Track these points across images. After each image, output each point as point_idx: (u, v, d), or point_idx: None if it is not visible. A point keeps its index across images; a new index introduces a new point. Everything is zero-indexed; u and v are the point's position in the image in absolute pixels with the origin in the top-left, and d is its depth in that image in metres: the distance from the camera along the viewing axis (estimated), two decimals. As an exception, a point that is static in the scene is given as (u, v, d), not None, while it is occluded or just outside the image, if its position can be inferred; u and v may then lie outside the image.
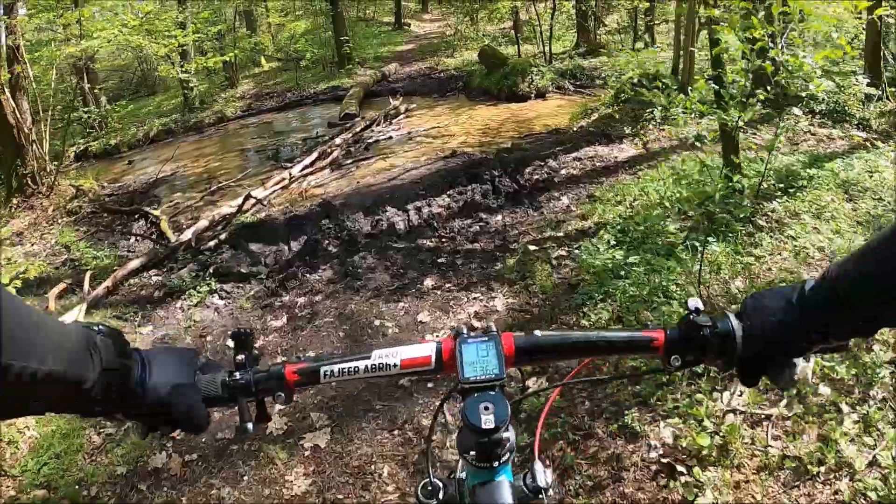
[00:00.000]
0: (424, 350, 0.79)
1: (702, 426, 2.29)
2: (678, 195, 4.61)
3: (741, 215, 3.68)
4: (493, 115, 9.43)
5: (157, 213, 6.93)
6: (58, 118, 14.51)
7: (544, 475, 0.79)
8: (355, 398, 3.05)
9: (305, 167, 7.44)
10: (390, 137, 8.58)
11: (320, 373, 0.79)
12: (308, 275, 4.53)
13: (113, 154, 12.61)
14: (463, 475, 0.81)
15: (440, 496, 0.81)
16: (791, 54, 3.45)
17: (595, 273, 3.64)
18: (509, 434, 0.74)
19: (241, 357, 0.78)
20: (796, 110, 4.52)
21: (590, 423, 2.52)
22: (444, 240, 4.79)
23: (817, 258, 3.49)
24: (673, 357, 0.76)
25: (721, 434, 2.25)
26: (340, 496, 2.51)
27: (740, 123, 3.73)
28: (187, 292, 4.56)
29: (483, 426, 0.70)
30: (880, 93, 6.28)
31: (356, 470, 2.62)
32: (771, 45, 3.54)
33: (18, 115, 8.02)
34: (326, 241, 5.00)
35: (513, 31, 17.61)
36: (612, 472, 2.26)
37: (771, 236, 3.76)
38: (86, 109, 14.21)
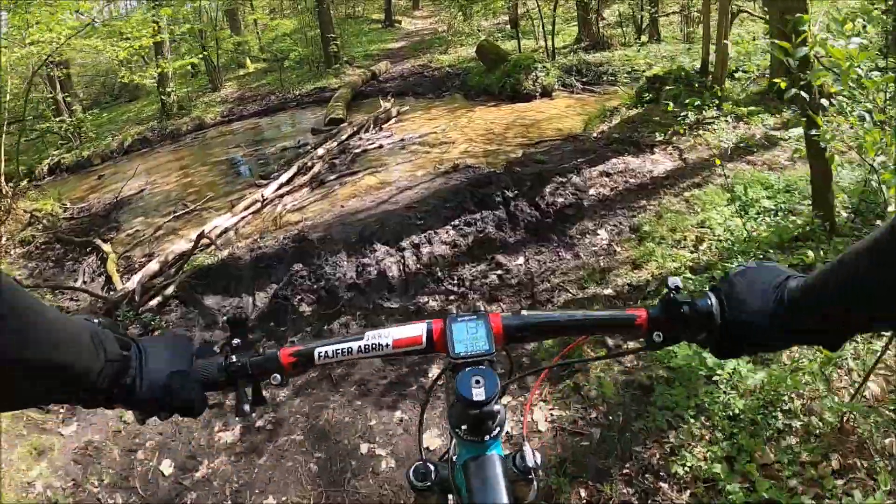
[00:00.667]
0: (415, 330, 0.77)
1: None
2: (757, 234, 3.37)
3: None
4: (496, 117, 8.13)
5: (107, 248, 5.64)
6: (29, 129, 13.20)
7: (533, 456, 0.75)
8: None
9: (281, 185, 6.15)
10: (380, 146, 7.27)
11: (315, 354, 0.77)
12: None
13: (86, 167, 11.38)
14: (455, 457, 0.76)
15: (432, 478, 0.78)
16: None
17: (676, 370, 2.40)
18: (500, 408, 0.72)
19: (236, 341, 0.76)
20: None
21: None
22: (451, 296, 3.52)
23: None
24: (655, 334, 0.74)
25: None
26: None
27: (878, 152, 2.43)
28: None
29: (474, 398, 0.68)
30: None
31: None
32: None
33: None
34: (298, 297, 3.74)
35: (508, 26, 16.27)
36: None
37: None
38: (58, 119, 12.86)
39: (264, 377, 0.76)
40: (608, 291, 3.24)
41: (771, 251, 3.17)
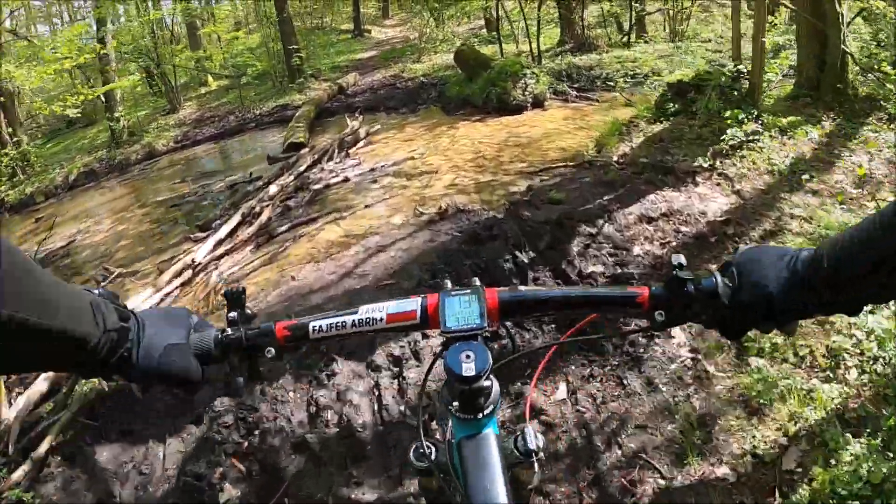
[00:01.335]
0: (410, 305, 0.72)
1: None
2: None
3: None
4: (484, 135, 6.64)
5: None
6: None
7: (535, 438, 0.71)
8: None
9: (220, 242, 4.61)
10: (346, 179, 5.74)
11: (309, 328, 0.72)
12: None
13: (29, 204, 9.66)
14: (452, 437, 0.71)
15: (432, 458, 0.72)
16: None
17: None
18: (492, 384, 0.67)
19: (233, 314, 0.72)
20: None
21: None
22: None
23: None
24: (657, 313, 0.67)
25: None
26: None
27: None
28: None
29: (464, 374, 0.63)
30: None
31: None
32: None
33: None
34: (219, 472, 2.23)
35: (485, 30, 14.79)
36: None
37: None
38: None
39: (259, 351, 0.72)
40: (722, 471, 1.79)
41: None
